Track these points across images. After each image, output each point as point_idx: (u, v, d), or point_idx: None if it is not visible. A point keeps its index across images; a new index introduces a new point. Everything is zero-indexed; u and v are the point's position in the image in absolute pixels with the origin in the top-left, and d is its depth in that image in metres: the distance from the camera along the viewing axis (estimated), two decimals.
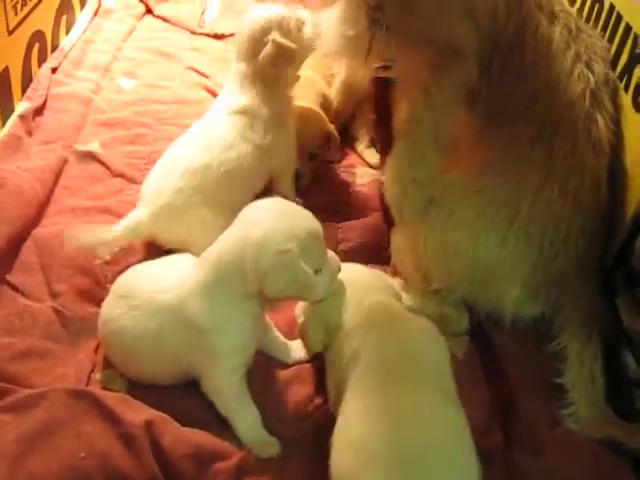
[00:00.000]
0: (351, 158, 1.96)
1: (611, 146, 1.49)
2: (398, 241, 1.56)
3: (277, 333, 1.43)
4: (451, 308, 1.50)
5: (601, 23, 1.65)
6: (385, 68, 1.47)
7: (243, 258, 1.22)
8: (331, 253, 1.31)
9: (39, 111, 1.94)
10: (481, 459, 1.09)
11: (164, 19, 2.52)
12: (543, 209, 1.43)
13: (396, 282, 1.52)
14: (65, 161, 1.83)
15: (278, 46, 1.60)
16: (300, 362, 1.42)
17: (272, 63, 1.61)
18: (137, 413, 1.25)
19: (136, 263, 1.49)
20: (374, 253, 1.63)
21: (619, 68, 1.55)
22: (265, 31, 1.61)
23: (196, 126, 1.66)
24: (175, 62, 2.29)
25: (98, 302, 1.44)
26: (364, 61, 1.54)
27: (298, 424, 1.32)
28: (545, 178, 1.44)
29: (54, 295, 1.50)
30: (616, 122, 1.51)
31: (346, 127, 2.01)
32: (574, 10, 1.73)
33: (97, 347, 1.42)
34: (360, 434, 1.09)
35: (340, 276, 1.31)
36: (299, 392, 1.37)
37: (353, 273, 1.36)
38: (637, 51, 1.49)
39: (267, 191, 1.63)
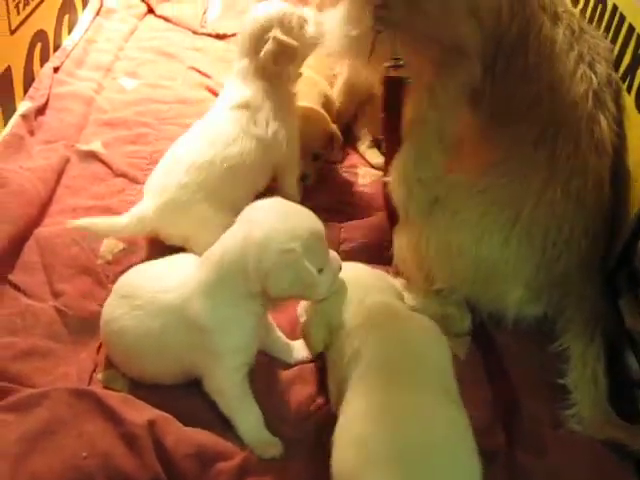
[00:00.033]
0: (353, 158, 1.96)
1: (614, 147, 1.49)
2: (401, 241, 1.56)
3: (279, 333, 1.43)
4: (453, 308, 1.51)
5: (604, 24, 1.65)
6: (396, 67, 1.46)
7: (245, 258, 1.22)
8: (332, 252, 1.31)
9: (41, 111, 1.95)
10: (483, 459, 1.09)
11: (166, 19, 2.52)
12: (546, 210, 1.43)
13: (398, 282, 1.52)
14: (67, 161, 1.83)
15: (279, 43, 1.60)
16: (302, 362, 1.42)
17: (273, 60, 1.61)
18: (139, 413, 1.25)
19: (138, 263, 1.49)
20: (376, 253, 1.63)
21: (622, 69, 1.55)
22: (266, 28, 1.62)
23: (198, 124, 1.66)
24: (177, 62, 2.29)
25: (100, 302, 1.44)
26: (367, 62, 1.54)
27: (300, 424, 1.32)
28: (548, 179, 1.44)
29: (56, 295, 1.50)
30: (619, 123, 1.51)
31: (348, 127, 2.01)
32: (577, 11, 1.72)
33: (99, 347, 1.42)
34: (361, 433, 1.09)
35: (341, 275, 1.31)
36: (301, 392, 1.36)
37: (354, 272, 1.36)
38: None
39: (269, 191, 1.63)
